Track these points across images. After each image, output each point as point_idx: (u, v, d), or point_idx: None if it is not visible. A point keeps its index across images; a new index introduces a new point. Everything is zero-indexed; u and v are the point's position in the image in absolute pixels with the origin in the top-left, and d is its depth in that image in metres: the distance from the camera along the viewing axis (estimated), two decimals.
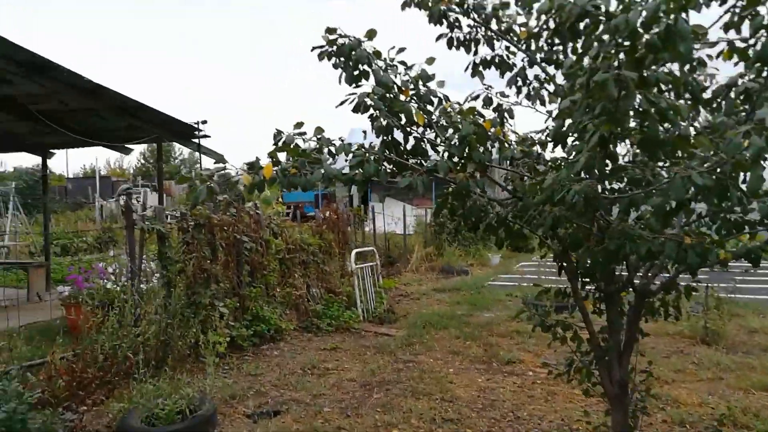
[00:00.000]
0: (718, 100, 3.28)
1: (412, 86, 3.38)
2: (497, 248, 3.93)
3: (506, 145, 3.87)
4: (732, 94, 3.04)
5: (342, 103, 3.27)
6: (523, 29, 3.82)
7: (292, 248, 9.23)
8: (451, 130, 3.45)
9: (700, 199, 2.62)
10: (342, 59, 3.20)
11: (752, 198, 2.63)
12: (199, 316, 6.93)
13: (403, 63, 3.32)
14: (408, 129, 3.40)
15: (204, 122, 14.25)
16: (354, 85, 3.23)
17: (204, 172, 2.92)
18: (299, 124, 3.21)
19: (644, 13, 2.08)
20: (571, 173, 2.67)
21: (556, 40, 3.33)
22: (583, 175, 2.74)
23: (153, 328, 6.28)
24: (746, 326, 8.26)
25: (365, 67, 3.22)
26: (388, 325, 9.15)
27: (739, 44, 3.19)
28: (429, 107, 3.47)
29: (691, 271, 2.92)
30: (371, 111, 3.25)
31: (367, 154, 3.14)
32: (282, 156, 3.08)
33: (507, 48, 4.04)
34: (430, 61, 3.33)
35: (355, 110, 3.24)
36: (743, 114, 3.10)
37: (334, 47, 3.17)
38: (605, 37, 2.27)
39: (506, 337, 8.15)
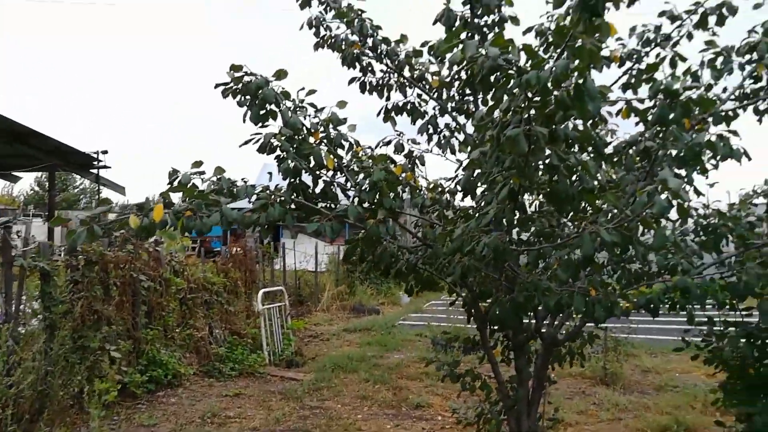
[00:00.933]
0: (619, 155, 3.40)
1: (322, 129, 3.25)
2: (407, 295, 3.83)
3: (417, 191, 3.83)
4: (632, 151, 3.14)
5: (246, 142, 3.09)
6: (435, 78, 3.84)
7: (195, 287, 8.72)
8: (362, 175, 3.35)
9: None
10: (248, 97, 3.03)
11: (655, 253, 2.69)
12: (86, 362, 6.31)
13: (312, 105, 3.19)
14: (317, 172, 3.26)
15: (104, 152, 13.41)
16: (260, 124, 3.06)
17: (87, 212, 2.63)
18: (198, 163, 2.99)
19: (555, 71, 2.07)
20: (480, 225, 2.63)
21: (468, 91, 3.35)
22: (492, 226, 2.71)
23: (30, 377, 5.63)
24: (641, 366, 8.63)
25: (272, 107, 3.07)
26: (295, 369, 8.79)
27: (636, 104, 3.35)
28: (340, 151, 3.36)
29: (598, 323, 2.94)
30: (278, 152, 3.10)
31: (273, 197, 2.97)
32: (179, 197, 2.85)
33: (419, 95, 4.05)
34: (342, 104, 3.23)
35: (261, 150, 3.07)
36: (642, 170, 3.22)
37: (240, 85, 3.00)
38: (516, 90, 2.25)
39: (416, 380, 8.04)
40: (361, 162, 3.43)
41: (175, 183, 2.81)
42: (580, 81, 2.11)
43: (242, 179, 3.03)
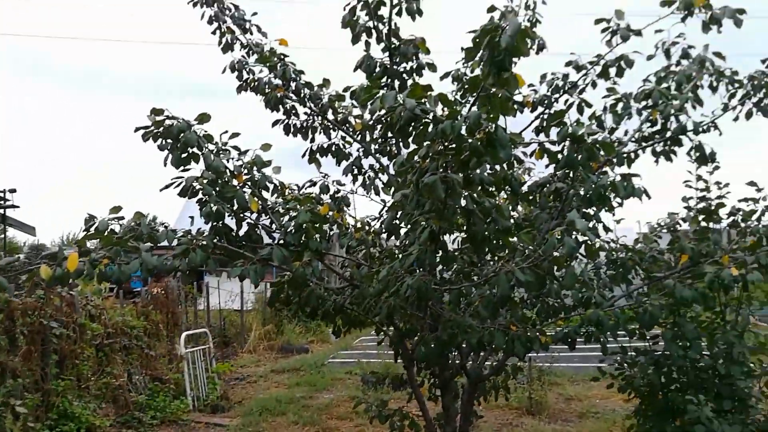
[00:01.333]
0: (534, 194, 3.58)
1: (246, 171, 3.25)
2: (335, 336, 3.82)
3: (345, 230, 3.86)
4: (545, 191, 3.32)
5: (167, 186, 3.04)
6: (358, 121, 3.93)
7: (113, 332, 8.28)
8: (287, 217, 3.36)
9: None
10: (169, 141, 2.98)
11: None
12: None
13: (236, 148, 3.19)
14: (241, 215, 3.24)
15: (12, 191, 12.63)
16: (181, 168, 3.02)
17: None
18: (116, 209, 2.90)
19: (468, 121, 2.19)
20: (404, 265, 2.69)
21: (389, 134, 3.45)
22: (416, 266, 2.78)
23: None
24: (564, 394, 8.91)
25: (195, 150, 3.04)
26: (221, 414, 8.45)
27: (549, 146, 3.56)
28: (264, 193, 3.36)
29: (520, 358, 3.05)
30: (201, 195, 3.06)
31: (194, 242, 2.92)
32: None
33: (343, 137, 4.12)
34: (266, 147, 3.25)
35: (182, 195, 3.03)
36: (555, 208, 3.41)
37: (161, 128, 2.96)
38: (433, 138, 2.35)
39: (346, 420, 7.92)
40: (287, 203, 3.44)
41: (92, 230, 2.71)
42: (492, 130, 2.24)
43: (163, 224, 2.96)
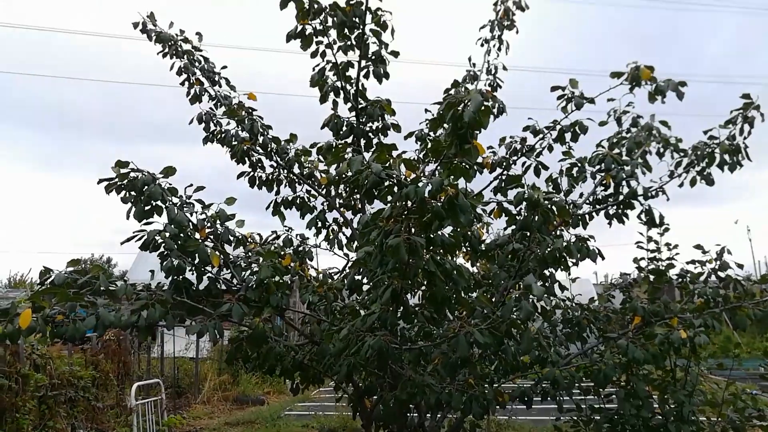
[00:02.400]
0: (493, 252, 3.67)
1: (209, 225, 3.25)
2: (293, 394, 3.76)
3: (307, 284, 3.86)
4: (503, 252, 3.41)
5: (129, 239, 3.01)
6: (323, 176, 3.99)
7: (59, 383, 7.92)
8: (248, 272, 3.35)
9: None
10: (133, 194, 2.97)
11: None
12: None
13: (200, 201, 3.19)
14: (202, 269, 3.22)
15: None
16: (144, 221, 3.00)
17: None
18: (75, 261, 2.85)
19: (431, 187, 2.27)
20: (366, 325, 2.71)
21: (356, 194, 3.51)
22: (377, 325, 2.79)
23: None
24: None
25: (158, 203, 3.03)
26: None
27: (507, 205, 3.68)
28: (227, 247, 3.35)
29: (477, 418, 3.06)
30: (162, 249, 3.04)
31: (154, 297, 2.88)
32: None
33: (308, 191, 4.17)
34: (230, 201, 3.26)
35: (144, 248, 3.00)
36: (512, 267, 3.50)
37: (125, 181, 2.95)
38: (397, 201, 2.42)
39: None
40: (248, 258, 3.43)
41: (47, 283, 2.65)
42: (454, 195, 2.32)
43: (123, 278, 2.91)
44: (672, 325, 3.28)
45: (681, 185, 3.86)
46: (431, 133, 3.89)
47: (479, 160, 3.93)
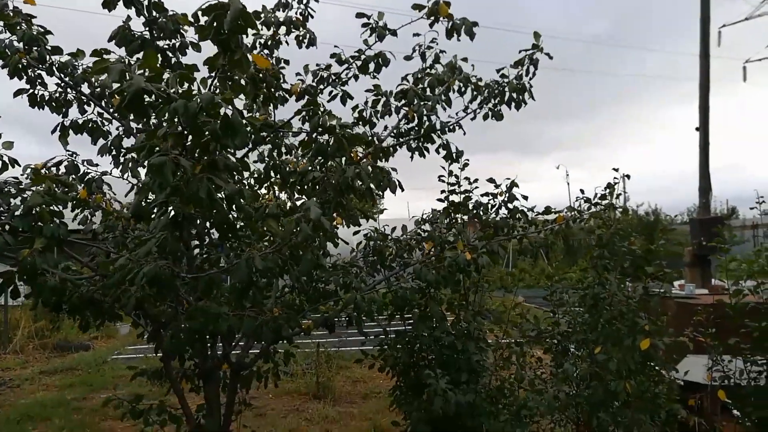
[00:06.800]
0: (298, 181, 3.64)
1: None
2: (83, 331, 3.50)
3: (109, 214, 3.56)
4: (305, 180, 3.38)
5: None
6: (116, 97, 3.62)
7: None
8: (18, 200, 2.99)
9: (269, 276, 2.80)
10: None
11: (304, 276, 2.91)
12: None
13: None
14: None
15: None
16: None
17: None
18: None
19: (202, 102, 2.13)
20: (143, 253, 2.54)
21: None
22: (158, 254, 2.64)
23: None
24: (352, 377, 9.30)
25: None
26: None
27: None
28: None
29: (269, 344, 3.07)
30: None
31: None
32: None
33: (100, 114, 3.77)
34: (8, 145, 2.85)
35: None
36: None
37: None
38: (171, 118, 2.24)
39: (123, 420, 7.39)
40: (19, 184, 3.06)
41: None
42: (228, 115, 2.20)
43: None
44: (459, 248, 3.50)
45: (473, 118, 4.08)
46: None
47: (287, 87, 3.82)
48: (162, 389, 6.12)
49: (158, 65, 3.37)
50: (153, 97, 2.22)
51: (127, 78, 2.15)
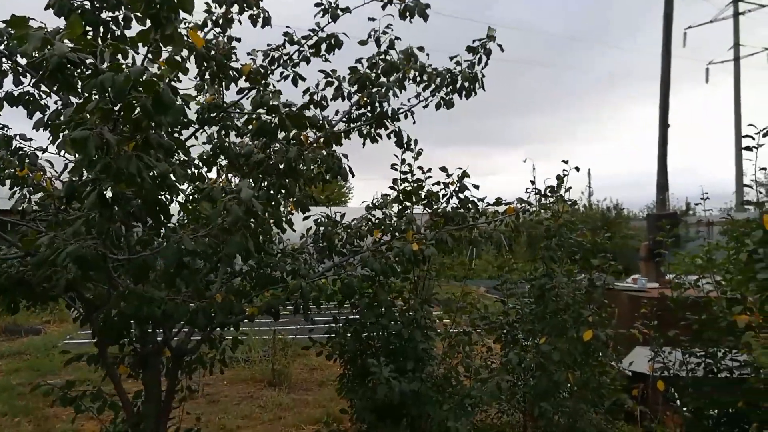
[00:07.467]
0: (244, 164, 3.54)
1: None
2: (11, 314, 3.36)
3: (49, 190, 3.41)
4: (249, 163, 3.29)
5: None
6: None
7: None
8: None
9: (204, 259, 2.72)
10: None
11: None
12: None
13: None
14: None
15: None
16: None
17: None
18: None
19: (132, 75, 2.03)
20: (69, 233, 2.43)
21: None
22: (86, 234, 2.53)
23: None
24: (309, 364, 9.23)
25: None
26: None
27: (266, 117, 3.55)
28: None
29: (201, 330, 3.00)
30: None
31: None
32: None
33: (37, 86, 3.60)
34: None
35: None
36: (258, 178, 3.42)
37: None
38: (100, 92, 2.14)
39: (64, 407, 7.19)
40: None
41: None
42: (159, 90, 2.11)
43: None
44: (407, 239, 3.47)
45: (426, 107, 4.03)
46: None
47: (237, 66, 3.71)
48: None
49: (100, 38, 3.26)
50: (83, 69, 2.11)
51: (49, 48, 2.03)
